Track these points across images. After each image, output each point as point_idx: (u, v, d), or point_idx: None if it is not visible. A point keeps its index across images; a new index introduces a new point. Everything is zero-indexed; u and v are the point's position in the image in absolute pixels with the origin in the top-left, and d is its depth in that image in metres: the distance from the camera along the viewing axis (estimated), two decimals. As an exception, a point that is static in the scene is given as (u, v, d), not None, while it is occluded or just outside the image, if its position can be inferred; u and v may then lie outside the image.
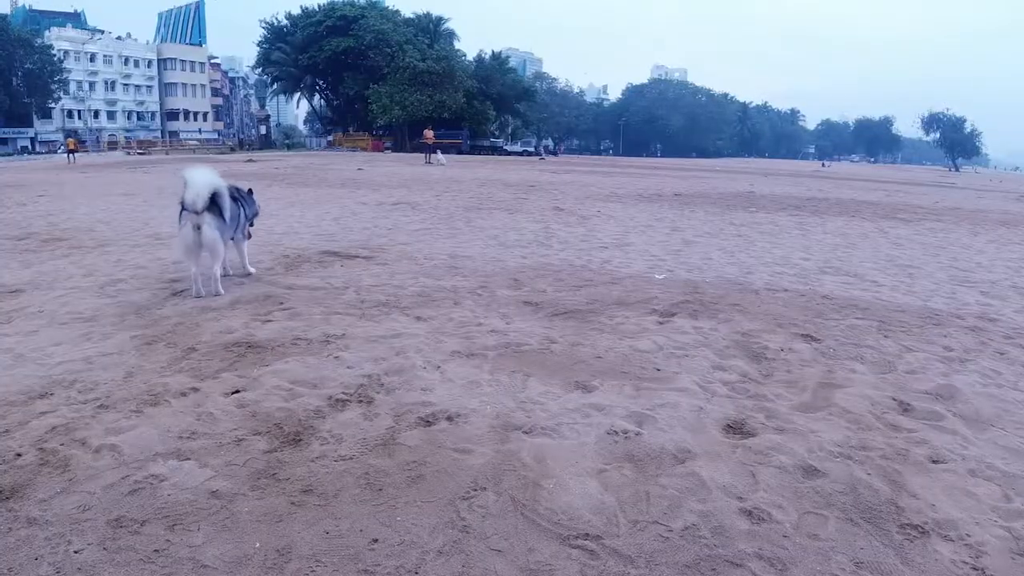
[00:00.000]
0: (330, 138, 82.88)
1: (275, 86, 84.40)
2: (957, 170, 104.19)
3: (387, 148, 71.06)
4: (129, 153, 56.38)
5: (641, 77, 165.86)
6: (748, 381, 4.24)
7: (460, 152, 62.35)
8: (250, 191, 7.23)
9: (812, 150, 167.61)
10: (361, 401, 3.72)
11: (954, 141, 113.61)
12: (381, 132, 78.00)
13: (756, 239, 10.93)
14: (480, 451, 3.16)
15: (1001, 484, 3.03)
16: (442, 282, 6.83)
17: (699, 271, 7.91)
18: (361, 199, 15.74)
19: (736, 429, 3.51)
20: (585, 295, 6.44)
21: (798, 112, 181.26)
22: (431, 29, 79.62)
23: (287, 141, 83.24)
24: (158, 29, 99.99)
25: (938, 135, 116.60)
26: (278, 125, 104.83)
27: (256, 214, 7.26)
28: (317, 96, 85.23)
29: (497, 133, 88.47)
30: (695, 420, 3.58)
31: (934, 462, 3.21)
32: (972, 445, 3.42)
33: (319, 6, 77.28)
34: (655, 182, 26.62)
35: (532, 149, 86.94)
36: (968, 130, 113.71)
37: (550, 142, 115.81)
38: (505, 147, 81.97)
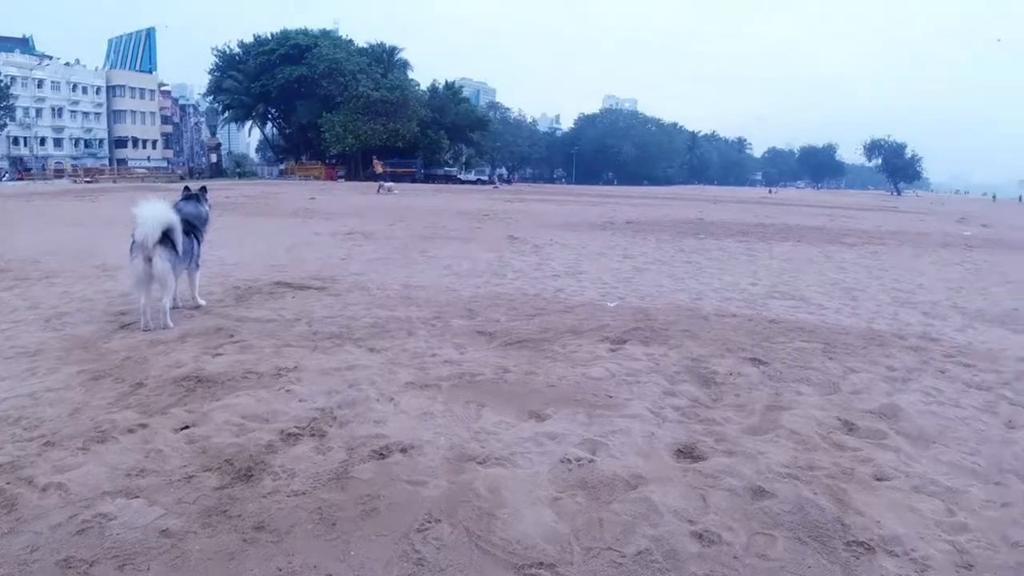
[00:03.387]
0: (282, 167, 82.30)
1: (227, 114, 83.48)
2: (899, 194, 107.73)
3: (340, 177, 70.85)
4: (76, 181, 55.14)
5: (593, 107, 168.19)
6: (698, 406, 4.32)
7: (414, 181, 62.40)
8: (203, 188, 7.25)
9: (759, 177, 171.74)
10: (314, 435, 3.69)
11: (895, 166, 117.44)
12: (334, 161, 77.76)
13: (705, 265, 11.14)
14: (434, 483, 3.16)
15: (944, 499, 3.13)
16: (396, 313, 6.81)
17: (650, 298, 8.03)
18: (314, 229, 15.64)
19: (687, 453, 3.56)
20: (538, 324, 6.48)
21: (745, 140, 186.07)
22: (385, 59, 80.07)
23: (239, 170, 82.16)
24: (108, 55, 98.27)
25: (880, 161, 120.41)
26: (229, 153, 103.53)
27: (207, 219, 7.07)
28: (269, 124, 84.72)
29: (451, 162, 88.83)
30: (647, 445, 3.63)
31: (878, 479, 3.31)
32: (915, 462, 3.53)
33: (272, 35, 77.10)
34: (607, 210, 26.97)
35: (486, 178, 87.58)
36: (909, 155, 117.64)
37: (504, 171, 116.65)
38: (459, 176, 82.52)
